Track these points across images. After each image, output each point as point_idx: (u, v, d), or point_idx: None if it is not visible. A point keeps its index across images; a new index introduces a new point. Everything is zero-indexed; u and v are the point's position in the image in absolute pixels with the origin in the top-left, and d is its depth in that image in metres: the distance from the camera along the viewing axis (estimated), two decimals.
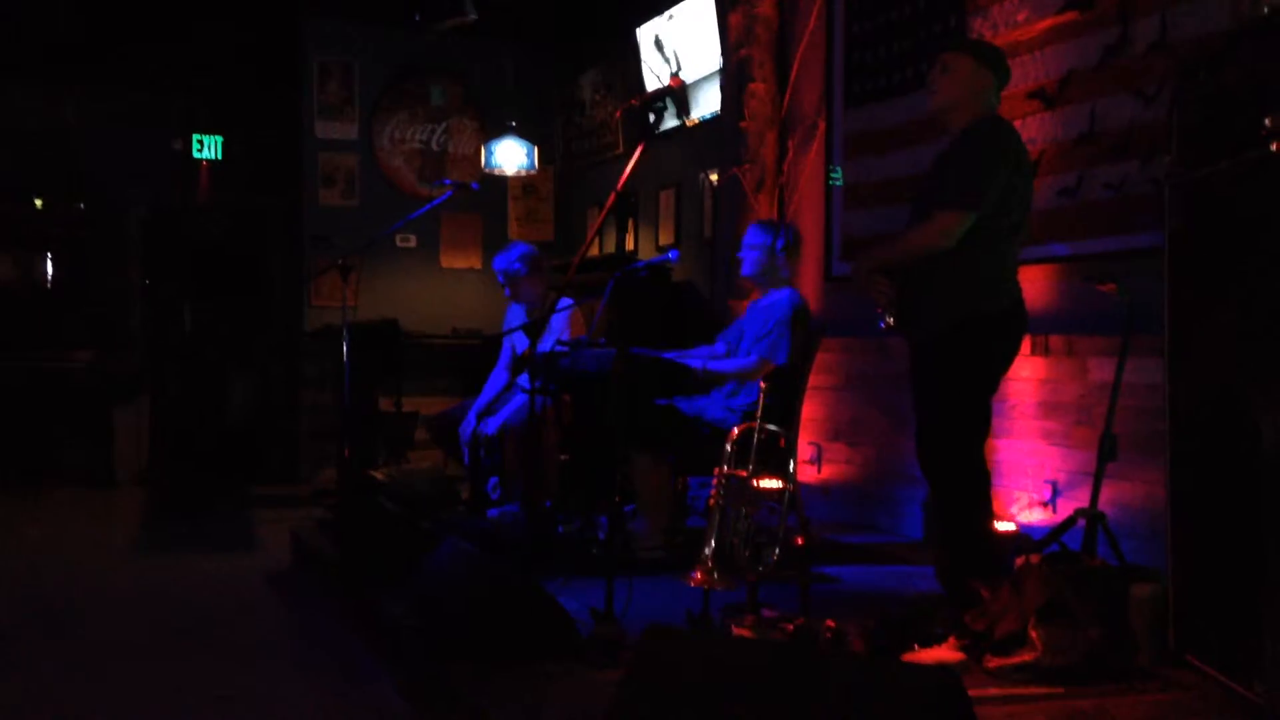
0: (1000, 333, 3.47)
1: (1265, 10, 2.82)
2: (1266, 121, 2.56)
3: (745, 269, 4.79)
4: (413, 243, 8.81)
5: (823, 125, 5.91)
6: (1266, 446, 2.54)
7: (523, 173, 7.58)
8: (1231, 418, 2.78)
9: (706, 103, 6.81)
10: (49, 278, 9.08)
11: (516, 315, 5.84)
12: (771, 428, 3.61)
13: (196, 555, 6.08)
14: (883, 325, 3.51)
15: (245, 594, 5.09)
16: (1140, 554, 3.58)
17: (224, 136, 9.24)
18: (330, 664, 3.94)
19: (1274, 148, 2.55)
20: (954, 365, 3.40)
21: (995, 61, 3.57)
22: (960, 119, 3.51)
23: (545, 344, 5.02)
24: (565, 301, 5.50)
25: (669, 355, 4.76)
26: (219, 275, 9.76)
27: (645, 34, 7.37)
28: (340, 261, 5.64)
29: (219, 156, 9.24)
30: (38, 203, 8.97)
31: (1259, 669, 2.57)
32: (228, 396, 9.79)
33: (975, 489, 3.41)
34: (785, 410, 3.97)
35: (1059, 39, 4.41)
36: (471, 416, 5.62)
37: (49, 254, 9.06)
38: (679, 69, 7.03)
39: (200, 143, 9.18)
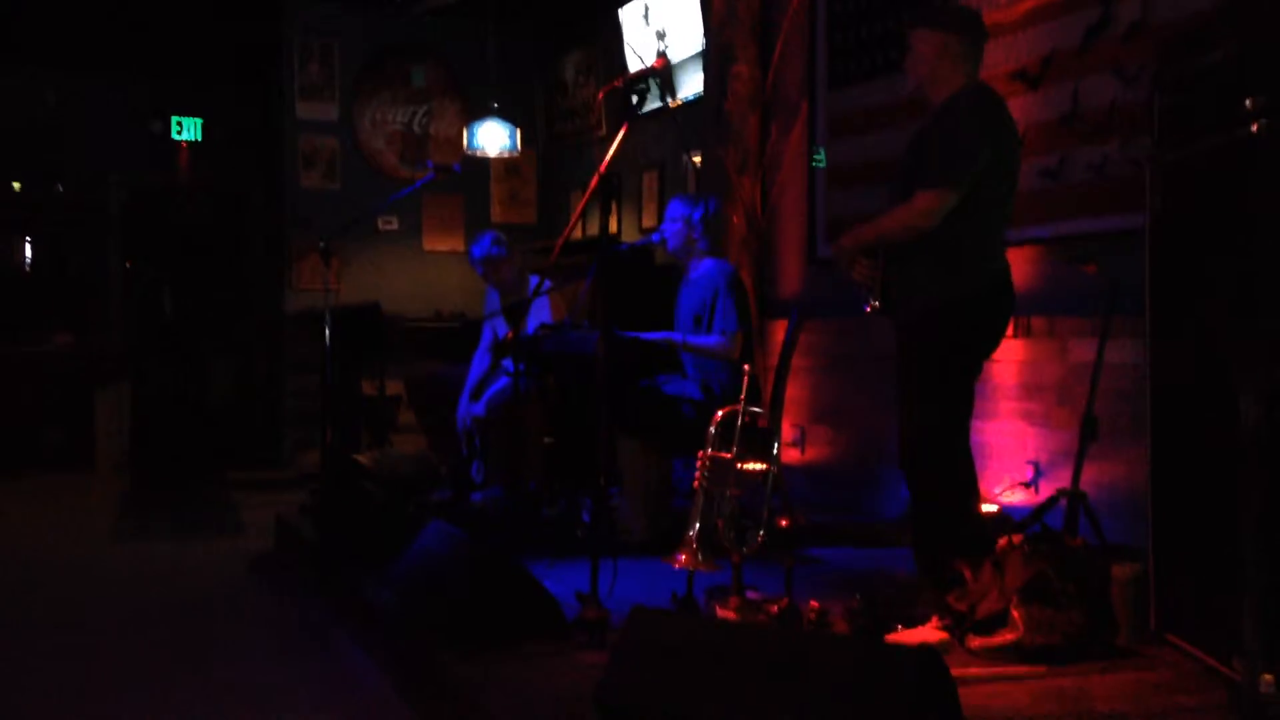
0: (987, 311, 3.39)
1: None
2: (1247, 102, 2.57)
3: (670, 244, 4.81)
4: (395, 225, 8.77)
5: (805, 107, 5.90)
6: (1246, 427, 2.56)
7: (505, 154, 7.55)
8: (1212, 398, 2.80)
9: (690, 84, 6.79)
10: (28, 261, 9.01)
11: (496, 298, 5.83)
12: (755, 410, 3.62)
13: (178, 540, 6.07)
14: (867, 308, 3.44)
15: (228, 579, 5.08)
16: (1121, 534, 3.60)
17: (204, 118, 9.17)
18: (314, 648, 3.94)
19: (1254, 128, 2.56)
20: (941, 346, 3.33)
21: (961, 23, 3.43)
22: (939, 93, 3.40)
23: (528, 327, 5.02)
24: (546, 284, 5.49)
25: (650, 335, 4.76)
26: (199, 258, 9.71)
27: (632, 11, 7.34)
28: (321, 244, 5.61)
29: (199, 138, 9.18)
30: (16, 186, 8.90)
31: (1237, 646, 2.59)
32: (209, 380, 9.76)
33: (960, 471, 3.38)
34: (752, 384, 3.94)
35: (1041, 19, 4.41)
36: (463, 403, 5.61)
37: (28, 237, 8.99)
38: (666, 46, 7.01)
39: (179, 124, 9.11)
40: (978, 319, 3.37)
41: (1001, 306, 3.43)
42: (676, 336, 4.70)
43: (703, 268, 4.78)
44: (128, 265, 9.26)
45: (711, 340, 4.62)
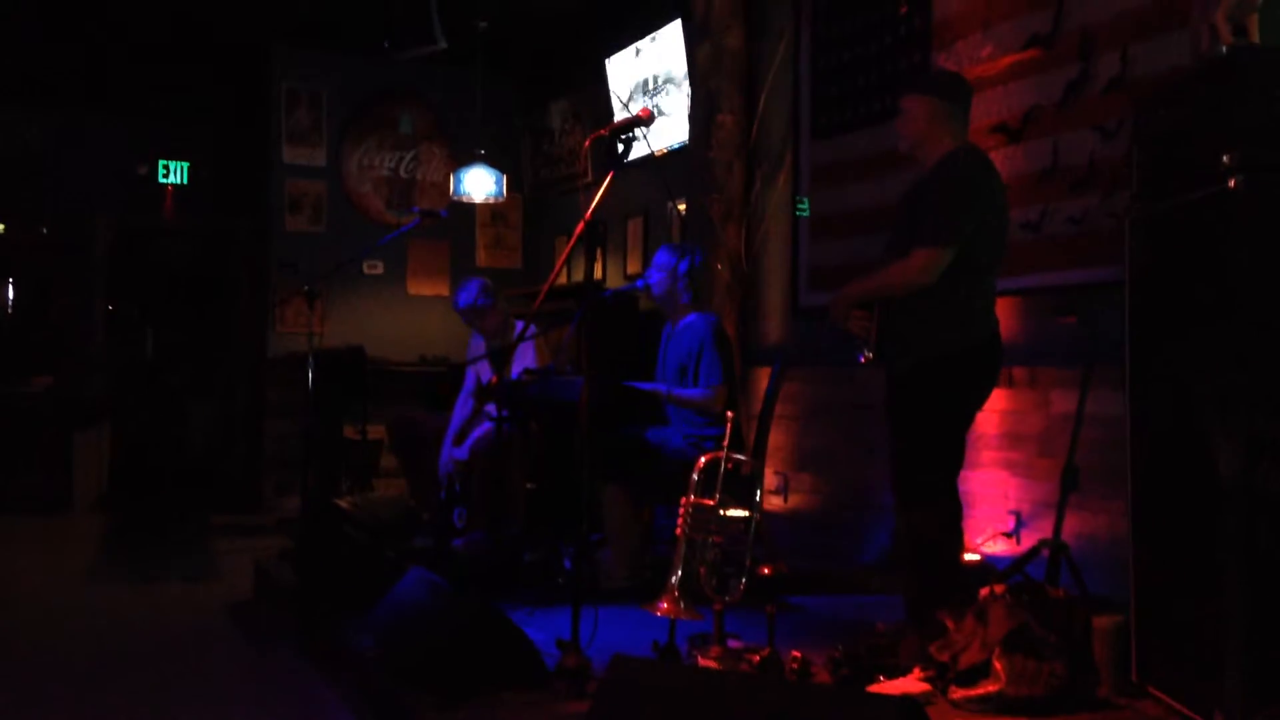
0: (979, 365, 3.49)
1: (1223, 49, 2.88)
2: (1224, 158, 2.61)
3: (654, 292, 4.84)
4: (380, 269, 8.79)
5: (790, 156, 5.96)
6: (1225, 479, 2.57)
7: (491, 200, 7.58)
8: (1192, 449, 2.81)
9: (675, 132, 6.85)
10: (10, 302, 8.97)
11: (480, 344, 5.83)
12: (739, 457, 3.62)
13: (156, 585, 6.00)
14: (861, 359, 3.51)
15: (205, 625, 5.02)
16: (1103, 584, 3.60)
17: (191, 162, 9.19)
18: (292, 698, 3.89)
19: (1231, 184, 2.60)
20: (933, 397, 3.41)
21: (946, 87, 3.61)
22: (931, 154, 3.53)
23: (512, 372, 5.01)
24: (530, 329, 5.49)
25: (636, 385, 4.77)
26: (183, 301, 9.69)
27: (619, 60, 7.41)
28: (306, 288, 5.60)
29: (185, 181, 9.19)
30: (0, 226, 8.88)
31: (1219, 699, 2.59)
32: (190, 423, 9.70)
33: (949, 520, 3.42)
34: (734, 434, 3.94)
35: (1022, 75, 4.47)
36: (446, 447, 5.59)
37: (11, 278, 8.96)
38: (652, 95, 7.07)
39: (166, 168, 9.13)
40: (971, 373, 3.46)
41: (993, 361, 3.54)
42: (662, 388, 4.71)
43: (688, 320, 4.79)
44: (111, 307, 9.23)
45: (695, 393, 4.64)
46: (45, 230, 8.88)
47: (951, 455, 3.46)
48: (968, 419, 3.52)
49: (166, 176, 9.12)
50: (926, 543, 3.41)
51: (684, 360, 4.69)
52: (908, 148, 3.61)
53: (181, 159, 9.16)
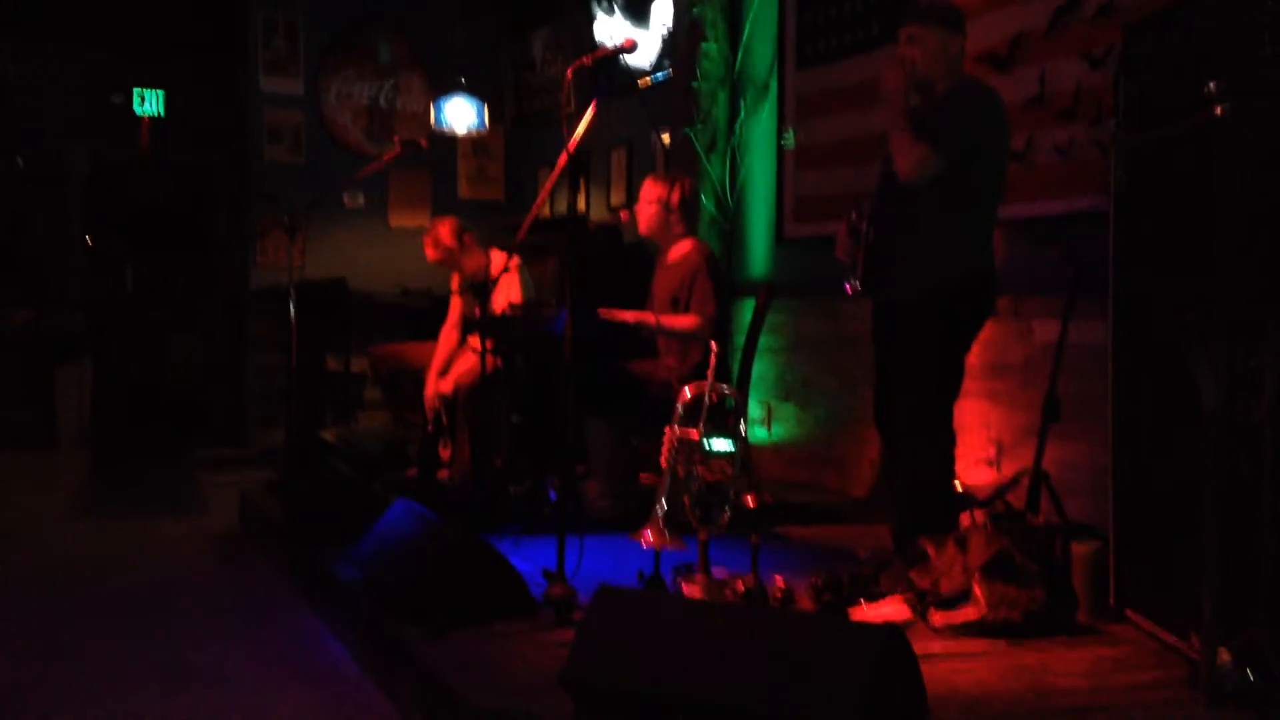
0: (980, 296, 3.52)
1: None
2: (1210, 86, 2.59)
3: (641, 226, 4.81)
4: (361, 201, 8.69)
5: (774, 86, 5.90)
6: (1204, 407, 2.59)
7: (473, 132, 7.49)
8: (1173, 378, 2.83)
9: (660, 62, 6.77)
10: None
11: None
12: (723, 388, 3.62)
13: (141, 518, 6.01)
14: (847, 288, 3.51)
15: (192, 558, 5.04)
16: (1083, 512, 3.64)
17: (167, 91, 9.04)
18: (279, 629, 3.91)
19: (1217, 112, 2.58)
20: (936, 327, 3.43)
21: (959, 22, 3.58)
22: (939, 89, 3.52)
23: (495, 304, 5.00)
24: (514, 262, 5.46)
25: (625, 315, 4.75)
26: (162, 232, 9.59)
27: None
28: (286, 219, 5.54)
29: (161, 112, 9.05)
30: None
31: (1195, 624, 2.63)
32: (172, 356, 9.65)
33: (945, 449, 3.46)
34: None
35: (1009, 2, 4.42)
36: (430, 380, 5.59)
37: None
38: (636, 24, 6.98)
39: (141, 97, 8.97)
40: (972, 303, 3.48)
41: (991, 289, 3.58)
42: (651, 318, 4.70)
43: (680, 250, 4.76)
44: (89, 240, 9.13)
45: (687, 322, 4.62)
46: (21, 161, 8.76)
47: (951, 385, 3.50)
48: (967, 348, 3.56)
49: (142, 106, 8.96)
50: (922, 472, 3.44)
51: (676, 291, 4.66)
52: (920, 79, 3.51)
53: (157, 88, 9.00)
